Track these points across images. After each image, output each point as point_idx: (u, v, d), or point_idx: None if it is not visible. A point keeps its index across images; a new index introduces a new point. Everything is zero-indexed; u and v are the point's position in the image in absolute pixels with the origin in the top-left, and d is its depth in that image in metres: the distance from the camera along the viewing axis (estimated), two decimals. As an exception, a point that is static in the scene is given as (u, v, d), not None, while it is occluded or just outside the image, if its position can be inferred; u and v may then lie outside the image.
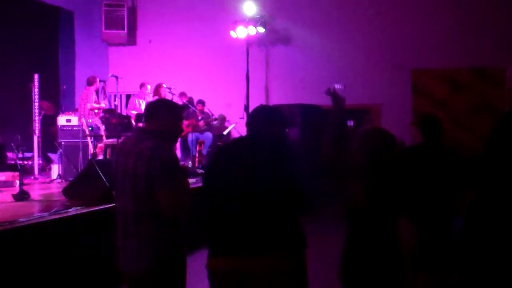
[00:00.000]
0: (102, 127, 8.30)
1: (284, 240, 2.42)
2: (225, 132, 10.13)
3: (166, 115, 2.72)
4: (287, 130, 2.73)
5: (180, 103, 9.02)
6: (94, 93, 8.62)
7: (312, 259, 2.59)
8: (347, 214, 2.67)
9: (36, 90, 8.83)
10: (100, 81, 8.71)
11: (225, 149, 2.75)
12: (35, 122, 8.84)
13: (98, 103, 8.61)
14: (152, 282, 2.58)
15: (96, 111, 8.49)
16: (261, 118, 2.64)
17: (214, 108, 10.22)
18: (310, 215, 2.50)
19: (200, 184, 2.74)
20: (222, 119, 10.57)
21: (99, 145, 8.15)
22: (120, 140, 7.40)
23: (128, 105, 9.40)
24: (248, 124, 2.69)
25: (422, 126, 3.84)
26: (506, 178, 2.14)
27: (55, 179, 7.97)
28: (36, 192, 6.42)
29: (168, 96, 8.82)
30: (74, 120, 8.50)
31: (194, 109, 9.66)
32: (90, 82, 8.63)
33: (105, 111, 8.55)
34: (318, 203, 2.51)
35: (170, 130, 2.74)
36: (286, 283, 2.41)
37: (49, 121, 9.26)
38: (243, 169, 2.46)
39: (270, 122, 2.61)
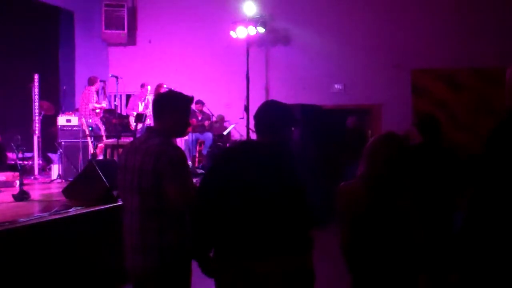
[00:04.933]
0: (103, 127, 8.31)
1: (291, 241, 2.43)
2: (225, 132, 10.14)
3: (172, 114, 2.72)
4: (293, 129, 2.69)
5: None
6: (95, 93, 8.63)
7: (317, 259, 2.59)
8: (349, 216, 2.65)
9: (36, 90, 8.84)
10: (100, 81, 8.71)
11: (232, 152, 2.73)
12: (35, 122, 8.84)
13: (99, 103, 8.62)
14: (157, 280, 2.59)
15: (97, 111, 8.50)
16: (269, 112, 2.63)
17: (214, 108, 10.23)
18: (317, 228, 2.49)
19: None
20: (221, 119, 10.58)
21: (99, 145, 8.16)
22: (120, 140, 7.41)
23: (128, 105, 9.40)
24: (255, 118, 2.66)
25: (421, 127, 3.85)
26: (506, 178, 2.14)
27: (55, 179, 7.97)
28: (36, 192, 6.41)
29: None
30: (74, 120, 8.50)
31: (193, 108, 9.68)
32: (91, 82, 8.64)
33: (105, 111, 8.56)
34: (326, 216, 2.50)
35: (177, 128, 2.77)
36: (293, 284, 2.42)
37: (49, 121, 9.26)
38: (251, 172, 2.46)
39: (277, 118, 2.60)
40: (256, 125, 2.65)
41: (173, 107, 2.74)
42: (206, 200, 2.53)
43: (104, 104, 8.66)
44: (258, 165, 2.48)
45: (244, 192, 2.44)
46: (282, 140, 2.60)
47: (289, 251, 2.42)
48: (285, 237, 2.42)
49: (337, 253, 2.69)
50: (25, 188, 5.77)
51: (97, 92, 8.76)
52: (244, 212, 2.43)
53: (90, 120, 8.30)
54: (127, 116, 8.87)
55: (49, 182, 7.86)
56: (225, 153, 2.85)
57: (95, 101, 8.53)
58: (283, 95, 10.30)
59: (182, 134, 2.89)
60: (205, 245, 2.60)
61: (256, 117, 2.64)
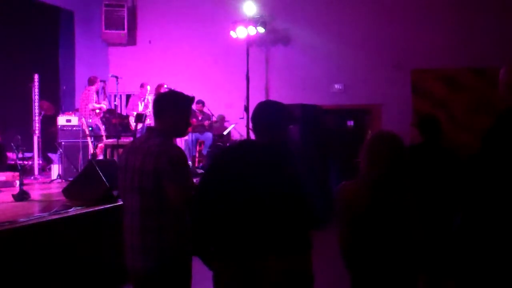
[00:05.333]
0: (103, 127, 8.31)
1: (290, 241, 2.43)
2: (225, 132, 10.14)
3: (173, 114, 2.73)
4: (291, 126, 2.70)
5: None
6: (95, 93, 8.64)
7: (316, 259, 2.60)
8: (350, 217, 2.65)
9: (36, 90, 8.84)
10: (100, 81, 8.72)
11: (230, 153, 2.73)
12: (35, 122, 8.84)
13: (99, 103, 8.63)
14: (158, 279, 2.59)
15: (97, 111, 8.51)
16: (267, 113, 2.64)
17: (214, 108, 10.23)
18: (318, 229, 2.50)
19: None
20: (222, 119, 10.58)
21: (99, 145, 8.16)
22: (120, 140, 7.41)
23: (128, 105, 9.41)
24: (253, 119, 2.66)
25: (422, 127, 3.85)
26: (503, 177, 2.14)
27: (55, 179, 7.97)
28: (36, 192, 6.41)
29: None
30: (74, 120, 8.51)
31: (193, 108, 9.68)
32: (91, 82, 8.65)
33: (105, 111, 8.56)
34: (326, 217, 2.51)
35: (177, 128, 2.78)
36: (292, 284, 2.42)
37: (49, 121, 9.26)
38: (250, 172, 2.46)
39: (276, 117, 2.61)
40: (254, 125, 2.65)
41: (174, 107, 2.75)
42: (205, 199, 2.53)
43: (104, 105, 8.67)
44: (257, 164, 2.48)
45: (243, 192, 2.44)
46: (280, 140, 2.60)
47: (289, 250, 2.42)
48: (285, 237, 2.42)
49: (336, 253, 2.70)
50: (25, 188, 5.77)
51: (97, 92, 8.77)
52: (243, 211, 2.43)
53: (90, 120, 8.30)
54: (127, 116, 8.88)
55: (49, 182, 7.86)
56: (224, 152, 2.85)
57: (94, 101, 8.54)
58: (283, 95, 10.30)
59: (183, 134, 2.90)
60: (205, 243, 2.60)
61: (253, 117, 2.65)
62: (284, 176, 2.47)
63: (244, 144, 2.77)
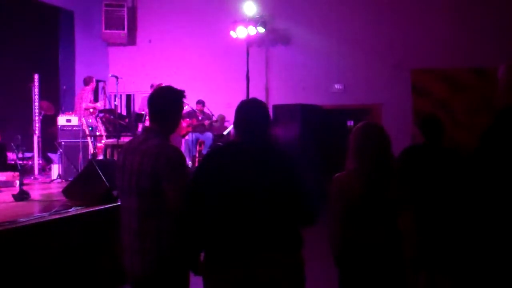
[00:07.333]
0: (102, 127, 8.32)
1: (284, 240, 2.43)
2: (225, 132, 10.14)
3: (173, 113, 2.74)
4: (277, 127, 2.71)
5: None
6: (91, 92, 8.66)
7: (307, 257, 2.60)
8: (345, 213, 2.67)
9: (36, 90, 8.84)
10: (100, 81, 8.74)
11: (221, 153, 2.70)
12: (35, 122, 8.84)
13: (93, 102, 8.67)
14: (156, 281, 2.58)
15: (91, 110, 8.54)
16: (261, 112, 2.62)
17: (214, 108, 10.22)
18: (312, 226, 2.51)
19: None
20: (222, 119, 10.58)
21: (99, 145, 8.16)
22: (120, 140, 7.41)
23: (139, 106, 9.44)
24: (245, 118, 2.60)
25: (424, 127, 3.85)
26: (503, 177, 2.14)
27: (55, 179, 7.97)
28: (36, 192, 6.41)
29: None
30: (74, 120, 8.51)
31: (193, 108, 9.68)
32: (86, 82, 8.72)
33: (105, 111, 8.58)
34: (320, 214, 2.51)
35: (175, 126, 2.79)
36: (286, 282, 2.42)
37: (49, 121, 9.26)
38: (242, 172, 2.46)
39: (267, 116, 2.61)
40: (245, 124, 2.59)
41: (175, 107, 2.75)
42: (197, 201, 2.51)
43: (99, 104, 8.69)
44: (251, 165, 2.47)
45: (236, 192, 2.43)
46: (271, 139, 2.60)
47: (281, 249, 2.42)
48: (278, 235, 2.42)
49: (326, 250, 2.70)
50: (25, 188, 5.76)
51: (96, 92, 8.79)
52: (235, 211, 2.42)
53: (90, 120, 8.32)
54: (128, 116, 8.88)
55: (49, 182, 7.85)
56: (214, 153, 2.80)
57: (89, 100, 8.58)
58: (283, 95, 10.32)
59: (175, 131, 2.89)
60: (195, 247, 2.58)
61: (245, 116, 2.59)
62: (278, 175, 2.46)
63: (234, 144, 2.72)
